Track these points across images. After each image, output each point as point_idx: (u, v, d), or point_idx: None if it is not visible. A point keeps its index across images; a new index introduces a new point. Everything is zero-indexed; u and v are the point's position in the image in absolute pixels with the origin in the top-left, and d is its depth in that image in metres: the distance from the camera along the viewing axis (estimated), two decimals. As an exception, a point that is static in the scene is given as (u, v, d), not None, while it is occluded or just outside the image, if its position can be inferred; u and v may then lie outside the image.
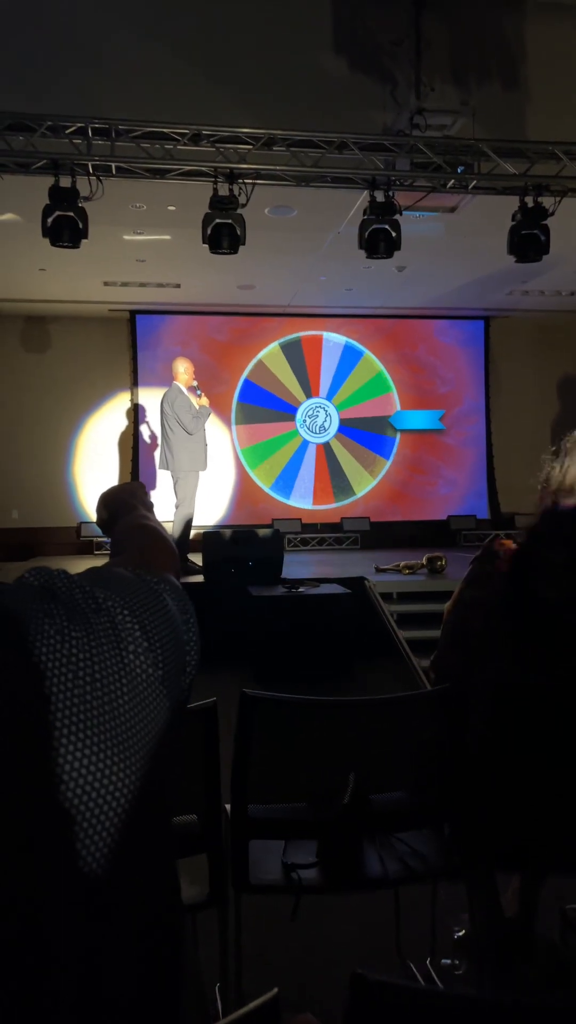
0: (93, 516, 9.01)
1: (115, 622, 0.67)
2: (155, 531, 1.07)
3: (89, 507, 9.51)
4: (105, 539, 9.32)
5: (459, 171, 5.64)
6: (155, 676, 0.69)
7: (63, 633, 0.62)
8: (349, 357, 10.16)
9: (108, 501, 1.22)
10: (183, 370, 7.15)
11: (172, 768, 0.71)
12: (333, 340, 10.13)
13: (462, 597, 1.96)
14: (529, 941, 2.21)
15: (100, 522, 1.23)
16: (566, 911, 2.27)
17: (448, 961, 2.36)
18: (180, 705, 0.76)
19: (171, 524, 7.12)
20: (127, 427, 9.70)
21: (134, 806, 0.62)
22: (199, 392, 7.12)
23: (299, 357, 10.05)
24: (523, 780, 1.90)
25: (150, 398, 9.29)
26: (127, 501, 1.19)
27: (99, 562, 0.88)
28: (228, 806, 1.94)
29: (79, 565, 0.82)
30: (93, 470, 9.60)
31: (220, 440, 9.65)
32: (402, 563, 7.05)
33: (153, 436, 9.38)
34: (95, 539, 9.33)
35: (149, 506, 1.20)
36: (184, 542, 7.03)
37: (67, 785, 0.58)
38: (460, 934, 2.35)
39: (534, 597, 1.78)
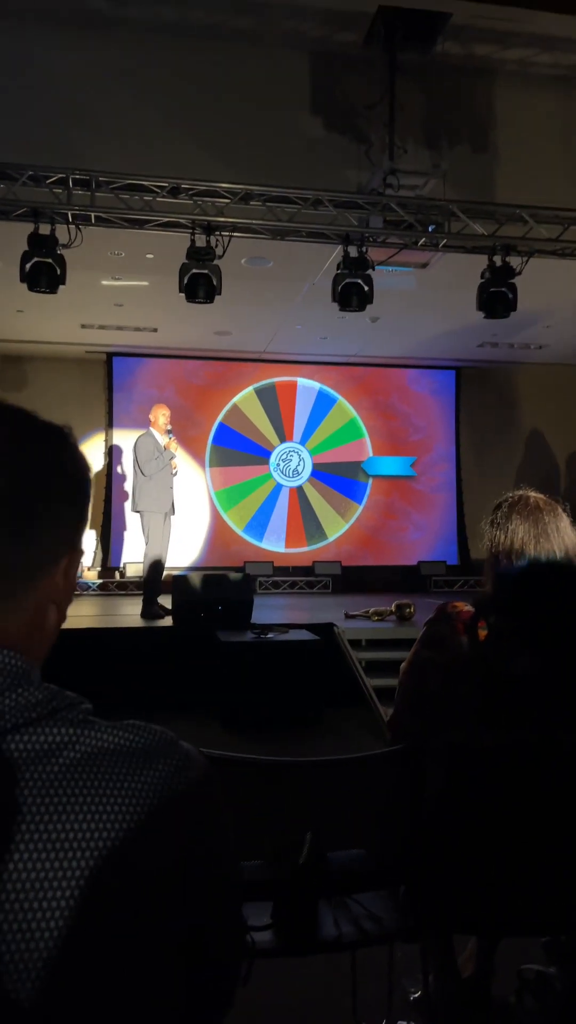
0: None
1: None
2: None
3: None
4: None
5: (430, 230, 5.81)
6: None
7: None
8: (323, 403, 10.29)
9: None
10: (155, 416, 7.24)
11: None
12: (307, 386, 10.26)
13: (418, 658, 1.98)
14: (485, 1002, 2.20)
15: None
16: (522, 971, 2.27)
17: (404, 1023, 2.35)
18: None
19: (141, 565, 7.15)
20: (101, 468, 9.69)
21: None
22: (171, 435, 7.19)
23: (273, 402, 10.16)
24: (479, 842, 1.91)
25: (125, 440, 9.30)
26: None
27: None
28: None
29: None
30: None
31: (194, 482, 9.68)
32: (371, 609, 7.08)
33: (123, 476, 9.40)
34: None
35: None
36: (152, 583, 7.02)
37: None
38: (416, 995, 2.33)
39: (490, 664, 1.81)
